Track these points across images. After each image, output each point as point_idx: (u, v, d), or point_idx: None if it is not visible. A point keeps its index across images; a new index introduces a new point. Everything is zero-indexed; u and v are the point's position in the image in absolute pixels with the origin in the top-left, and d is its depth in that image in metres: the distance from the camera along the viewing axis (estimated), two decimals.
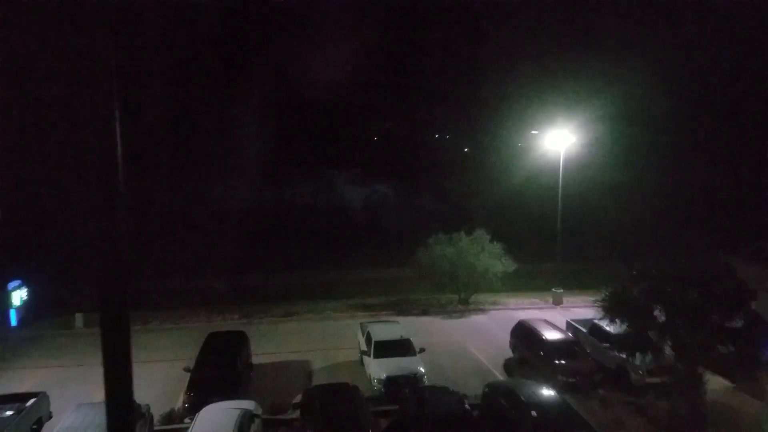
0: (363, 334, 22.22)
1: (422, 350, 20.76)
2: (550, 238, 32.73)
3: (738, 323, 14.77)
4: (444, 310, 29.87)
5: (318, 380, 20.07)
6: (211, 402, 15.79)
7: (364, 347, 21.46)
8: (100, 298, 3.46)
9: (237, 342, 20.55)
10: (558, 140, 31.18)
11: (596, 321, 20.73)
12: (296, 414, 16.59)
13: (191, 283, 33.60)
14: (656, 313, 16.13)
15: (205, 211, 47.32)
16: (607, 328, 19.73)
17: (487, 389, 17.91)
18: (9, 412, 15.57)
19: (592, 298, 18.50)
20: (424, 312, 29.53)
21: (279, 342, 25.01)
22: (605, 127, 49.17)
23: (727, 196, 44.51)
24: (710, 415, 15.37)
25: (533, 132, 40.17)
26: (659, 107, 52.04)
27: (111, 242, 3.48)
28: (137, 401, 16.28)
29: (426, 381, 18.99)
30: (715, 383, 17.06)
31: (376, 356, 20.07)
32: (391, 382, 18.74)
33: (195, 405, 16.25)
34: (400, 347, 20.53)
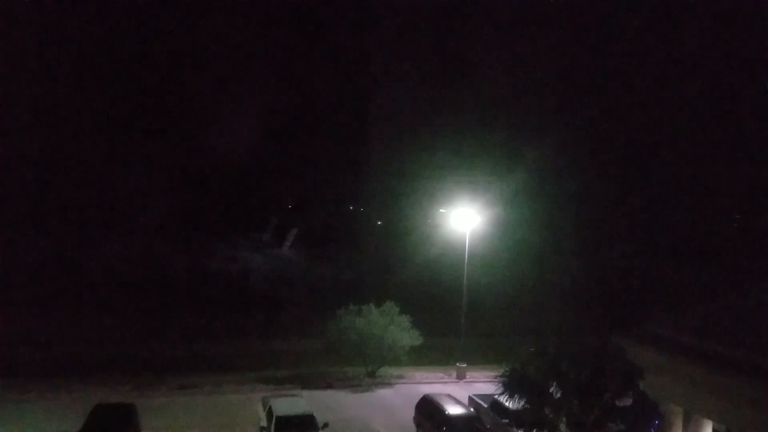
0: (264, 409, 21.23)
1: (326, 425, 20.14)
2: (456, 312, 33.69)
3: (627, 402, 15.72)
4: (350, 384, 29.32)
5: None
6: None
7: (264, 423, 20.45)
8: None
9: (126, 415, 18.96)
10: (464, 219, 32.89)
11: (496, 397, 21.25)
12: None
13: (78, 350, 30.81)
14: (552, 390, 16.86)
15: (97, 270, 44.33)
16: (507, 404, 20.23)
17: None
18: None
19: (493, 373, 19.13)
20: (329, 386, 28.82)
21: (172, 417, 23.13)
22: (512, 207, 52.57)
23: (620, 279, 48.32)
24: None
25: (441, 210, 42.17)
26: (562, 184, 56.37)
27: None
28: None
29: None
30: None
31: None
32: None
33: None
34: (303, 422, 19.78)
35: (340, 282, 51.74)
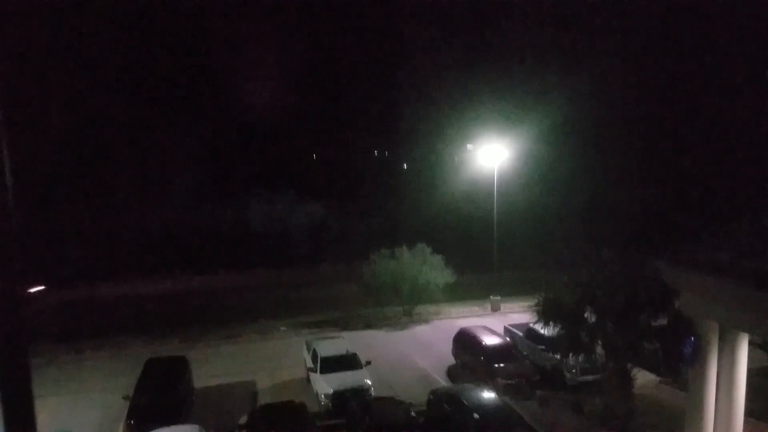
0: (309, 351, 22.19)
1: (368, 363, 20.98)
2: (488, 249, 33.90)
3: (662, 322, 15.86)
4: (388, 324, 30.22)
5: (263, 400, 19.84)
6: (153, 429, 15.33)
7: (310, 364, 21.42)
8: None
9: (177, 367, 20.01)
10: (492, 155, 32.50)
11: (532, 325, 21.70)
12: None
13: (127, 308, 32.35)
14: (587, 315, 17.12)
15: (140, 231, 45.74)
16: (542, 332, 20.68)
17: (431, 396, 18.37)
18: None
19: (527, 304, 19.46)
20: (368, 326, 29.76)
21: (221, 365, 24.46)
22: (539, 139, 51.47)
23: (655, 203, 47.44)
24: (639, 407, 16.43)
25: (468, 147, 41.64)
26: (591, 116, 54.88)
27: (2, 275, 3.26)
28: None
29: (373, 393, 19.20)
30: (643, 378, 18.22)
31: (323, 372, 20.13)
32: (338, 396, 18.83)
33: None
34: (346, 362, 20.68)
35: (372, 228, 52.24)
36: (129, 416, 17.04)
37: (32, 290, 30.71)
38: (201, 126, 62.61)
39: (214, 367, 24.02)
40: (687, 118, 51.09)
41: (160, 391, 18.00)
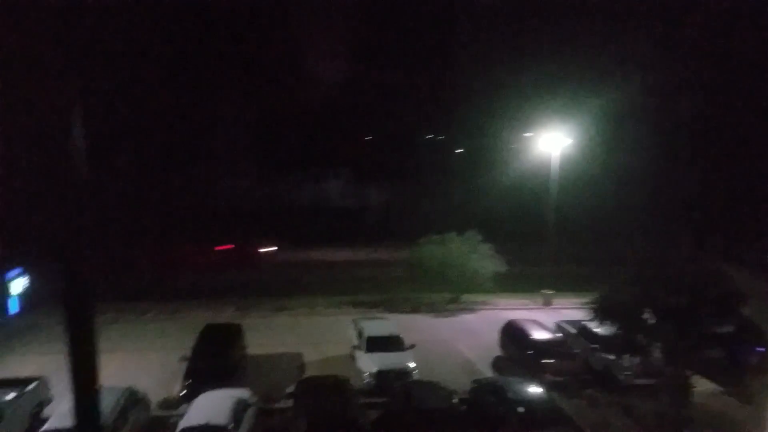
0: (355, 330, 22.50)
1: (412, 346, 21.07)
2: (542, 240, 33.13)
3: (728, 328, 15.15)
4: (434, 309, 30.18)
5: (310, 372, 20.29)
6: (207, 390, 15.98)
7: (356, 342, 21.72)
8: (63, 293, 3.38)
9: (232, 334, 20.78)
10: (552, 142, 31.52)
11: (585, 322, 21.14)
12: (289, 403, 16.82)
13: (188, 276, 33.82)
14: (645, 316, 16.51)
15: (199, 205, 47.37)
16: (596, 330, 20.14)
17: (475, 385, 18.25)
18: (10, 396, 15.77)
19: (581, 301, 18.93)
20: (414, 310, 29.82)
21: (272, 335, 25.18)
22: (601, 129, 49.69)
23: (723, 201, 45.08)
24: (696, 417, 15.78)
25: (527, 134, 40.63)
26: (657, 109, 52.59)
27: (72, 234, 3.39)
28: (134, 388, 16.47)
29: (415, 376, 19.28)
30: (703, 386, 17.46)
31: (368, 351, 20.40)
32: (381, 375, 19.04)
33: (191, 392, 16.47)
34: (391, 343, 20.88)
35: (422, 212, 52.12)
36: (186, 376, 17.80)
37: (265, 250, 33.22)
38: (255, 107, 63.68)
39: (265, 336, 24.75)
40: (759, 113, 47.94)
41: (216, 355, 18.76)
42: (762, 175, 44.30)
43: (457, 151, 78.64)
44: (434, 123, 77.54)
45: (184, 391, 17.18)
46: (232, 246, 30.76)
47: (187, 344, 20.27)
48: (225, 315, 27.63)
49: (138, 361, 21.13)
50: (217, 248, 30.98)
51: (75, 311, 3.48)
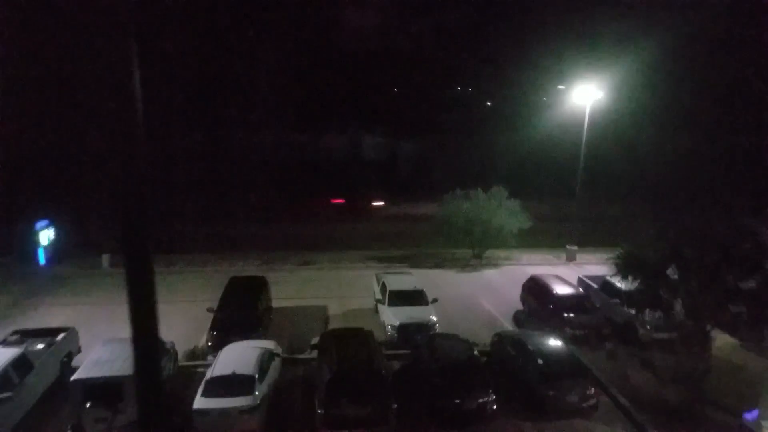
0: (378, 284, 22.84)
1: (435, 300, 21.33)
2: (570, 196, 32.65)
3: (751, 284, 14.88)
4: (457, 264, 30.36)
5: (334, 325, 20.85)
6: (233, 341, 16.59)
7: (379, 296, 22.09)
8: (123, 240, 3.57)
9: (258, 286, 21.27)
10: (585, 95, 30.58)
11: (608, 277, 21.00)
12: (313, 354, 17.37)
13: (215, 229, 34.57)
14: (669, 271, 16.30)
15: (229, 159, 47.88)
16: (618, 285, 20.00)
17: (496, 338, 18.51)
18: (40, 346, 16.40)
19: (605, 256, 18.76)
20: (438, 265, 30.05)
21: (297, 288, 25.83)
22: (633, 83, 47.88)
23: (754, 157, 43.41)
24: (715, 369, 15.74)
25: (560, 87, 39.49)
26: (687, 62, 50.29)
27: (132, 184, 3.57)
28: (161, 338, 17.17)
29: (438, 329, 19.60)
30: (722, 341, 17.35)
31: (391, 304, 20.72)
32: (404, 328, 19.40)
33: (218, 343, 17.09)
34: (414, 297, 21.11)
35: (450, 167, 51.69)
36: (212, 327, 18.46)
37: (376, 203, 34.52)
38: (284, 53, 63.01)
39: (291, 289, 25.43)
40: None
41: (242, 307, 19.27)
42: None
43: (487, 104, 77.09)
44: (466, 75, 75.80)
45: (210, 342, 17.89)
46: (343, 200, 32.22)
47: (214, 296, 21.01)
48: (251, 268, 28.38)
49: (165, 312, 21.67)
50: (333, 201, 32.81)
51: (134, 260, 3.72)
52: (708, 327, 15.77)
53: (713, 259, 15.39)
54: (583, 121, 30.61)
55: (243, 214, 37.45)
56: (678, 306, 16.32)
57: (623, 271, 17.14)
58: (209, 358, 17.27)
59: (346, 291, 25.63)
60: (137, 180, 3.58)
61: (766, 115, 45.58)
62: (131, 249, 3.67)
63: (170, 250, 30.08)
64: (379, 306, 21.70)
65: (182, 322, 21.00)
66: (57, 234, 29.46)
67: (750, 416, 13.82)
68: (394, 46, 70.83)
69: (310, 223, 37.84)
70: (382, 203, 32.70)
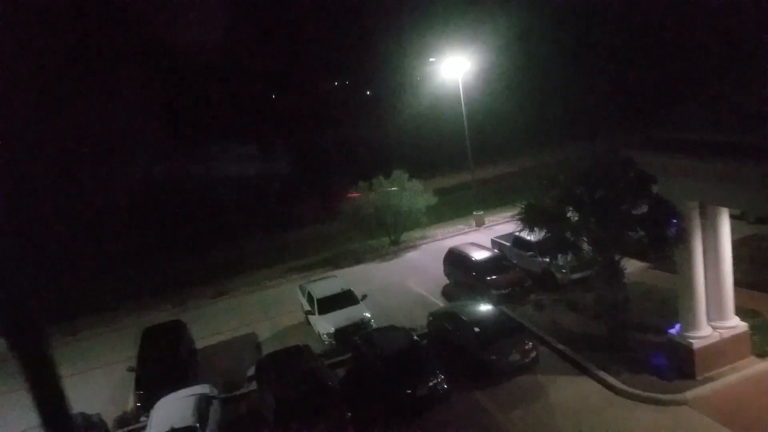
0: (304, 295, 22.27)
1: (365, 297, 21.18)
2: (463, 162, 33.69)
3: (644, 209, 16.02)
4: (377, 255, 30.40)
5: (268, 350, 20.02)
6: (163, 395, 15.46)
7: (307, 307, 21.55)
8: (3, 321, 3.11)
9: (175, 331, 20.06)
10: (455, 67, 31.58)
11: (517, 234, 21.92)
12: (253, 386, 16.62)
13: (110, 280, 31.71)
14: (569, 215, 17.21)
15: (98, 199, 44.00)
16: (528, 238, 20.92)
17: (431, 318, 18.73)
18: None
19: (510, 214, 19.53)
20: (358, 261, 29.91)
21: (219, 321, 24.52)
22: (501, 47, 50.23)
23: (618, 87, 47.02)
24: (630, 295, 16.90)
25: (431, 60, 40.52)
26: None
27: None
28: (85, 413, 15.65)
29: (374, 325, 19.48)
30: (632, 267, 18.69)
31: (321, 312, 20.30)
32: (340, 333, 19.08)
33: (147, 401, 15.89)
34: (343, 299, 20.81)
35: (343, 161, 51.56)
36: (137, 386, 17.13)
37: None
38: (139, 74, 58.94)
39: (212, 325, 24.08)
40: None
41: (163, 358, 18.07)
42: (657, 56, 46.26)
43: (367, 93, 77.67)
44: (338, 68, 75.66)
45: (139, 403, 16.59)
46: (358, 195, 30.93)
47: (130, 353, 19.48)
48: (163, 313, 26.26)
49: (82, 384, 19.68)
50: (349, 195, 31.11)
51: (24, 340, 3.15)
52: (616, 258, 16.82)
53: (603, 193, 16.42)
54: (459, 91, 31.64)
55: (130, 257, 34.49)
56: (585, 245, 17.28)
57: (528, 224, 17.87)
58: (142, 419, 16.00)
59: (272, 310, 24.75)
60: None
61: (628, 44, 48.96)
62: (16, 329, 3.13)
63: (67, 316, 27.26)
64: (310, 317, 21.20)
65: (103, 388, 19.29)
66: None
67: (674, 330, 14.97)
68: (251, 54, 68.62)
69: (210, 251, 35.87)
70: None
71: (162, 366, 17.57)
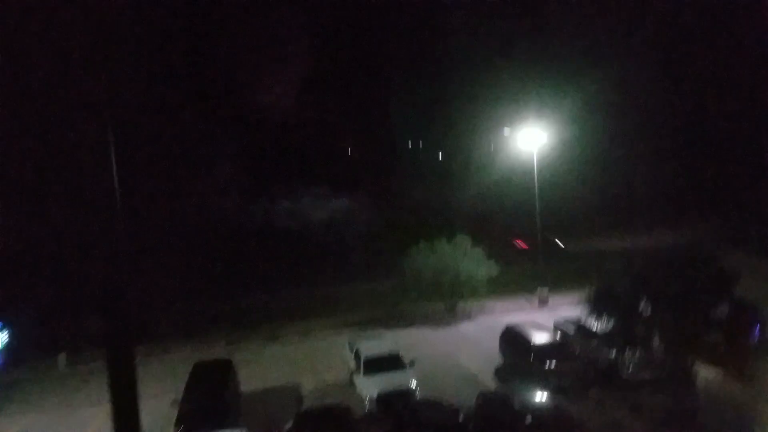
0: (351, 352, 21.88)
1: (412, 363, 20.50)
2: (532, 238, 32.84)
3: (724, 311, 14.86)
4: (431, 321, 29.65)
5: (308, 403, 19.60)
6: None
7: (353, 365, 21.12)
8: (105, 332, 3.28)
9: (223, 371, 20.02)
10: (530, 139, 31.39)
11: (583, 320, 20.73)
12: None
13: (170, 311, 32.63)
14: (641, 306, 16.19)
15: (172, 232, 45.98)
16: (595, 326, 19.73)
17: (480, 399, 17.73)
18: None
19: (577, 297, 18.56)
20: (411, 324, 29.27)
21: (266, 367, 24.47)
22: (582, 123, 49.73)
23: (715, 184, 45.05)
24: (704, 405, 15.39)
25: (505, 131, 40.65)
26: (635, 97, 52.73)
27: (113, 269, 3.36)
28: None
29: (419, 395, 18.71)
30: (706, 373, 17.07)
31: (366, 373, 19.79)
32: (382, 399, 18.44)
33: None
34: (390, 362, 20.26)
35: (408, 220, 51.63)
36: (178, 422, 17.07)
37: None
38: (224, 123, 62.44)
39: (259, 369, 24.04)
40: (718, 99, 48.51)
41: (208, 397, 18.01)
42: (751, 156, 44.31)
43: (439, 159, 78.49)
44: (416, 131, 77.30)
45: None
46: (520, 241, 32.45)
47: (177, 386, 19.52)
48: (214, 350, 26.61)
49: None
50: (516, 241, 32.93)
51: (116, 358, 3.37)
52: (689, 361, 15.54)
53: (680, 288, 15.39)
54: (534, 163, 31.27)
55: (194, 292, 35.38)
56: (656, 342, 16.12)
57: (596, 311, 16.95)
58: None
59: (319, 363, 24.43)
60: (118, 264, 3.31)
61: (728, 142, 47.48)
62: (113, 341, 3.30)
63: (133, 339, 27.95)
64: (354, 376, 20.71)
65: (144, 419, 19.29)
66: (11, 336, 27.32)
67: None
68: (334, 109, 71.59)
69: (275, 292, 36.33)
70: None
71: (205, 405, 17.49)
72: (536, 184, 31.32)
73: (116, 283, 3.36)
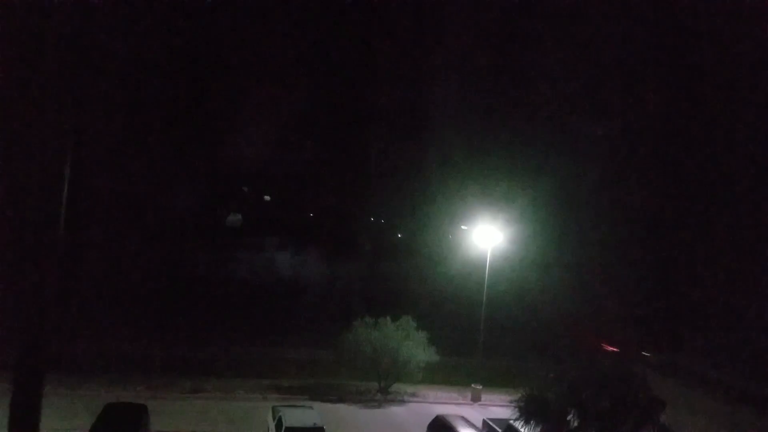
0: (274, 419, 21.01)
1: None
2: (474, 331, 33.07)
3: None
4: (362, 399, 28.90)
5: None
6: None
7: None
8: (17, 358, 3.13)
9: (136, 415, 18.90)
10: (485, 236, 32.40)
11: (512, 422, 20.67)
12: None
13: (91, 348, 30.73)
14: (570, 418, 16.37)
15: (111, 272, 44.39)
16: (523, 430, 19.70)
17: None
18: None
19: (510, 397, 18.65)
20: (341, 399, 28.45)
21: (184, 421, 23.02)
22: (537, 222, 51.34)
23: (645, 301, 46.56)
24: None
25: (463, 227, 41.78)
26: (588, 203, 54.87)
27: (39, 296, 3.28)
28: None
29: None
30: None
31: None
32: None
33: None
34: None
35: (355, 292, 51.30)
36: None
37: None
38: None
39: (176, 421, 22.64)
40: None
41: None
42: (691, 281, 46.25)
43: (398, 236, 79.51)
44: (378, 205, 78.54)
45: None
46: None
47: (84, 424, 18.41)
48: (132, 394, 25.00)
49: None
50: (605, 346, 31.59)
51: (23, 388, 3.16)
52: None
53: (609, 404, 15.71)
54: (486, 259, 32.12)
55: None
56: None
57: (526, 415, 17.00)
58: None
59: (240, 425, 23.28)
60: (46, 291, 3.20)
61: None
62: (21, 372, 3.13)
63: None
64: None
65: None
66: None
67: None
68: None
69: (205, 345, 34.82)
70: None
71: None
72: (485, 281, 32.04)
73: (38, 311, 3.31)
